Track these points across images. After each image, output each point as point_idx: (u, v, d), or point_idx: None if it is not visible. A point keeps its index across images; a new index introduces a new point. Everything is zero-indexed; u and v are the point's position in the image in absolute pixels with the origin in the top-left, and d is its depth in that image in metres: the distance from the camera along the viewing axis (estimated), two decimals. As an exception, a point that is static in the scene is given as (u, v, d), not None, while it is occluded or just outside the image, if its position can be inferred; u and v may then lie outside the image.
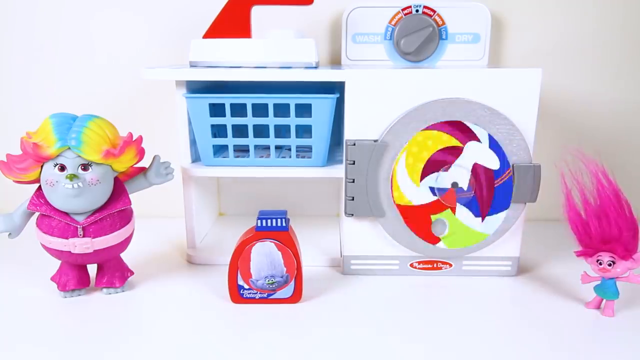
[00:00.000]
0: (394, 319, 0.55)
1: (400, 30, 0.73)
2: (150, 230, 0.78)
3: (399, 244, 0.63)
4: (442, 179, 0.60)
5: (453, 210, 0.61)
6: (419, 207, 0.61)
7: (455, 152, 0.59)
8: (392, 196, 0.61)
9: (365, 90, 0.59)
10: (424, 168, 0.60)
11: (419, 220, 0.61)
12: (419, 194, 0.60)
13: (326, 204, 0.85)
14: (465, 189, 0.60)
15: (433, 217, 0.61)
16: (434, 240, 0.62)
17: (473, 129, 0.58)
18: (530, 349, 0.49)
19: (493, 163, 0.59)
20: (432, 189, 0.60)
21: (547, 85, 0.79)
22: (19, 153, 0.54)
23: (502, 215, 0.61)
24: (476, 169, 0.59)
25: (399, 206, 0.61)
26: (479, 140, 0.58)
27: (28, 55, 0.80)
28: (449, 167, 0.59)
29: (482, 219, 0.61)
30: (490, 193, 0.60)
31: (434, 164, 0.60)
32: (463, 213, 0.61)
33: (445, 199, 0.60)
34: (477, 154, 0.59)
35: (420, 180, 0.60)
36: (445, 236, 0.61)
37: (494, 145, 0.59)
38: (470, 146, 0.59)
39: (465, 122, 0.58)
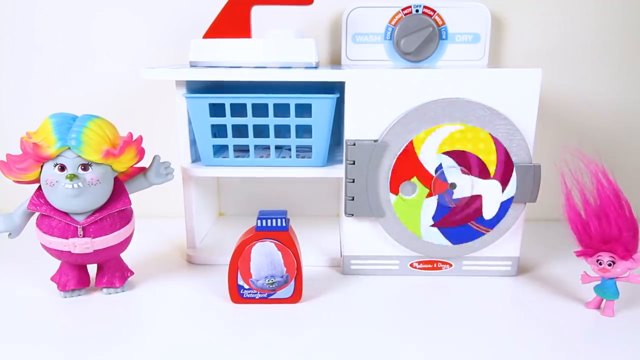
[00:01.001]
0: (394, 319, 0.55)
1: (400, 30, 0.73)
2: (150, 230, 0.78)
3: (399, 244, 0.63)
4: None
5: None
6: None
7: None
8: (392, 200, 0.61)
9: (365, 90, 0.59)
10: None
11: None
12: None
13: (326, 204, 0.85)
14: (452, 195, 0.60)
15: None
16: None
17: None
18: (530, 349, 0.49)
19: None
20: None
21: (547, 85, 0.79)
22: (19, 153, 0.54)
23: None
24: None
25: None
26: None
27: (28, 55, 0.80)
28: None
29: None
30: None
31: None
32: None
33: (436, 188, 0.60)
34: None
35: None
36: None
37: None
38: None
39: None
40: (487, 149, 0.59)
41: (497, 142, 0.59)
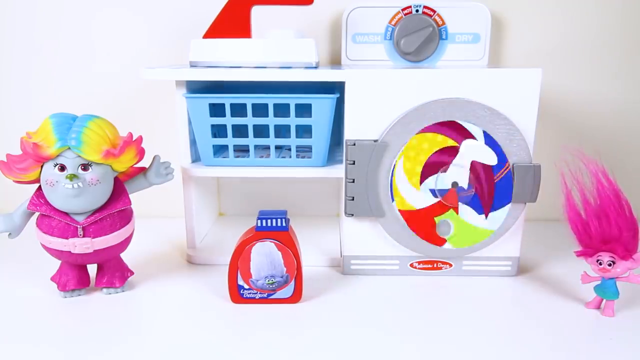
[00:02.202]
0: (394, 319, 0.55)
1: (400, 30, 0.73)
2: (150, 230, 0.78)
3: (399, 244, 0.63)
4: (442, 180, 0.60)
5: (456, 210, 0.60)
6: (422, 211, 0.61)
7: (452, 152, 0.59)
8: (394, 201, 0.61)
9: (365, 90, 0.59)
10: (422, 171, 0.60)
11: (422, 223, 0.61)
12: (420, 198, 0.60)
13: (326, 204, 0.85)
14: (465, 187, 0.60)
15: (437, 219, 0.61)
16: (440, 242, 0.62)
17: (467, 128, 0.58)
18: (530, 349, 0.49)
19: (490, 159, 0.59)
20: (432, 191, 0.60)
21: (547, 85, 0.79)
22: (19, 153, 0.54)
23: (505, 210, 0.60)
24: (474, 167, 0.59)
25: (401, 211, 0.61)
26: (474, 138, 0.58)
27: (28, 55, 0.80)
28: (447, 168, 0.59)
29: (486, 216, 0.61)
30: (491, 189, 0.60)
31: (432, 167, 0.59)
32: (466, 212, 0.61)
33: (447, 200, 0.60)
34: (474, 151, 0.59)
35: (420, 184, 0.60)
36: (451, 237, 0.61)
37: (490, 141, 0.59)
38: (466, 145, 0.59)
39: (459, 122, 0.58)
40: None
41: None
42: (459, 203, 0.60)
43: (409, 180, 0.60)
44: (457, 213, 0.61)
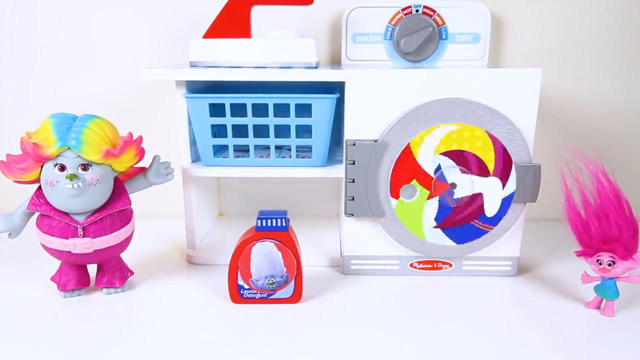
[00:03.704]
0: (394, 319, 0.55)
1: (400, 30, 0.73)
2: (150, 230, 0.78)
3: (399, 244, 0.63)
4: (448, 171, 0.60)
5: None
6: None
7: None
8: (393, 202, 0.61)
9: (365, 90, 0.59)
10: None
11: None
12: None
13: (326, 204, 0.85)
14: (454, 196, 0.60)
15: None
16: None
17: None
18: (530, 349, 0.49)
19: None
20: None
21: (547, 85, 0.79)
22: (19, 153, 0.54)
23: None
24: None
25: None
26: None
27: (28, 55, 0.80)
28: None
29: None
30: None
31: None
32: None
33: (435, 188, 0.60)
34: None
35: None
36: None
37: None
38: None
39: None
40: (484, 147, 0.59)
41: (494, 139, 0.59)
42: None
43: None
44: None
